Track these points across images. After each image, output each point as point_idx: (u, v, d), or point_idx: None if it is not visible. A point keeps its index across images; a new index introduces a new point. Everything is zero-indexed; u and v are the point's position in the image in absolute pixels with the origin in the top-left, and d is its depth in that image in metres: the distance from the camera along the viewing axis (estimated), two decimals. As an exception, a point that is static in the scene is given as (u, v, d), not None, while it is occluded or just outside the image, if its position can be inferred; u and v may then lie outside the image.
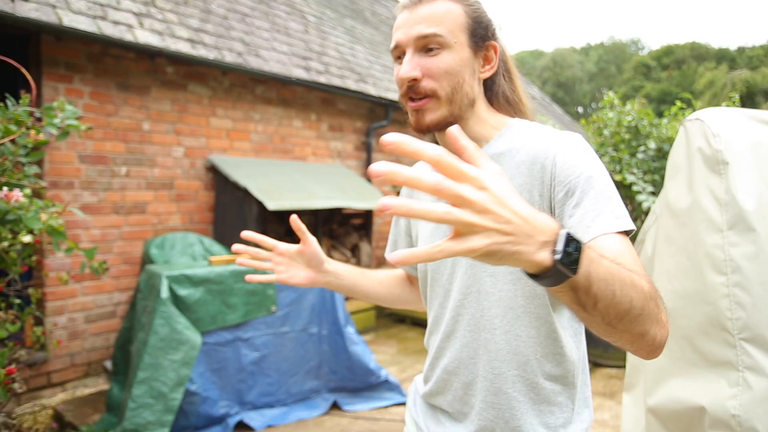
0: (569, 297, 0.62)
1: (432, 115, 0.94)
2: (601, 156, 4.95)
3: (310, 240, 1.12)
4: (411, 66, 0.92)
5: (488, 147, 0.99)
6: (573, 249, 0.57)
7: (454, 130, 0.53)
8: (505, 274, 0.93)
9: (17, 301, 2.11)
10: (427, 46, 0.92)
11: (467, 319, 0.98)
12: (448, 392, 1.02)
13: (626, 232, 0.81)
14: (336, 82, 5.17)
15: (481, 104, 1.01)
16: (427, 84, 0.92)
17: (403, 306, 1.29)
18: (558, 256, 0.55)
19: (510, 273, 0.93)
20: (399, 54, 0.96)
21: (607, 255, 0.69)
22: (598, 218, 0.81)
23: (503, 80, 1.04)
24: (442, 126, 0.95)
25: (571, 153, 0.88)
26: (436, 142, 1.07)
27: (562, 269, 0.56)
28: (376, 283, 1.24)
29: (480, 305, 0.95)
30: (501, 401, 0.94)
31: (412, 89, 0.93)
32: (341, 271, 1.17)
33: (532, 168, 0.91)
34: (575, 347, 0.96)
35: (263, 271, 1.16)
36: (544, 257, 0.55)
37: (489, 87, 1.03)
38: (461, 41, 0.93)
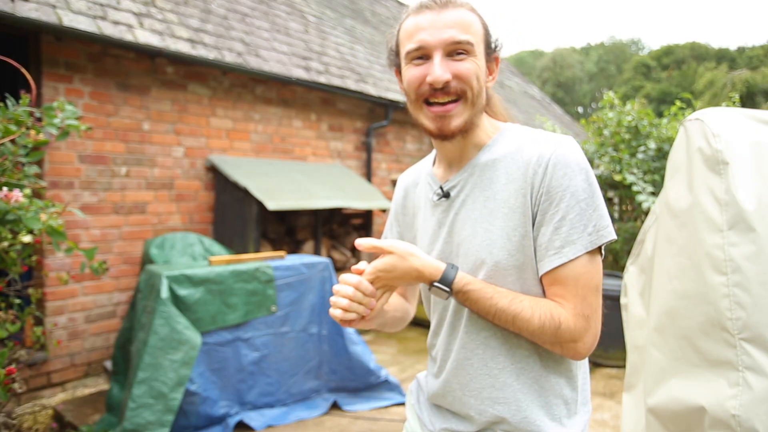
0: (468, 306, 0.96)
1: (458, 120, 0.96)
2: (600, 156, 4.95)
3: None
4: (443, 69, 0.92)
5: (482, 153, 1.02)
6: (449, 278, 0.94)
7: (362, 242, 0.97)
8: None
9: (17, 301, 2.11)
10: (456, 51, 0.93)
11: (466, 318, 1.00)
12: (448, 394, 1.04)
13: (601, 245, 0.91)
14: (336, 82, 5.17)
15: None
16: (457, 85, 0.94)
17: (399, 325, 1.23)
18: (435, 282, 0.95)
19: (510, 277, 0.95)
20: (421, 55, 0.95)
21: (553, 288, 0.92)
22: (568, 244, 0.90)
23: None
24: (463, 131, 0.98)
25: (561, 162, 0.91)
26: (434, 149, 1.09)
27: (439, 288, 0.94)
28: (392, 310, 1.17)
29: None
30: (507, 395, 0.96)
31: (443, 90, 0.93)
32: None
33: (525, 173, 0.94)
34: None
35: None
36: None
37: None
38: (480, 51, 0.97)
